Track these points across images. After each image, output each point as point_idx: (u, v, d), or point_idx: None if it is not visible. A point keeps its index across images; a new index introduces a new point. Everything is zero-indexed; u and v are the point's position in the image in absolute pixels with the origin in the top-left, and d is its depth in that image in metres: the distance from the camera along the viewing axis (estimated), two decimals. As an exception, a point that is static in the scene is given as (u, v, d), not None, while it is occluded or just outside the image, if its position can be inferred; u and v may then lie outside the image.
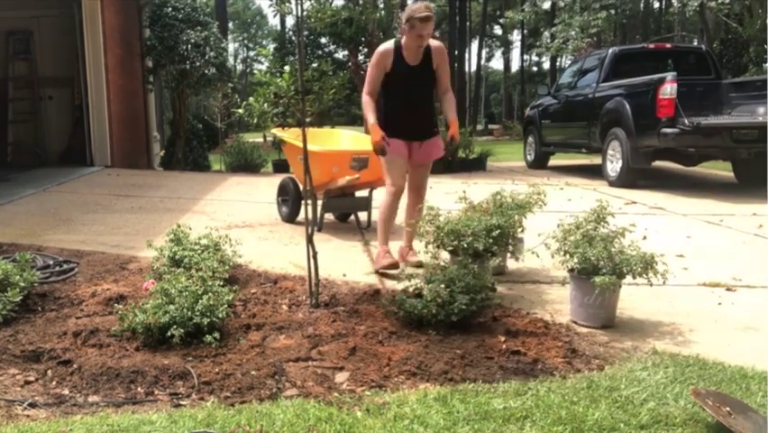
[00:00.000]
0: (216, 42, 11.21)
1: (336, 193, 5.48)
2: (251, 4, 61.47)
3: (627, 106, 8.66)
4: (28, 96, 10.59)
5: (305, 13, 3.41)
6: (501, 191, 4.35)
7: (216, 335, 2.87)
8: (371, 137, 4.08)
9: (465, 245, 3.50)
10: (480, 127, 35.36)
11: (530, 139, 12.37)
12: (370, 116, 4.10)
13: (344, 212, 6.13)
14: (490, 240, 3.57)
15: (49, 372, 2.67)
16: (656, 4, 32.47)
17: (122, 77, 10.53)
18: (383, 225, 4.26)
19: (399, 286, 3.59)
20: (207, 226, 4.72)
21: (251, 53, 58.31)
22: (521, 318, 3.29)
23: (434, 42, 4.18)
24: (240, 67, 55.69)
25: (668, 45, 12.60)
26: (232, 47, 54.61)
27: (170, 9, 11.03)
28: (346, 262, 4.47)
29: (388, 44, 4.20)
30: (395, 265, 4.10)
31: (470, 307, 3.05)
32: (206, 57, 10.83)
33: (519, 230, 3.93)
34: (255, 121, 3.54)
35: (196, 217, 6.08)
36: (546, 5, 23.03)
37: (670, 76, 8.06)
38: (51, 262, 4.24)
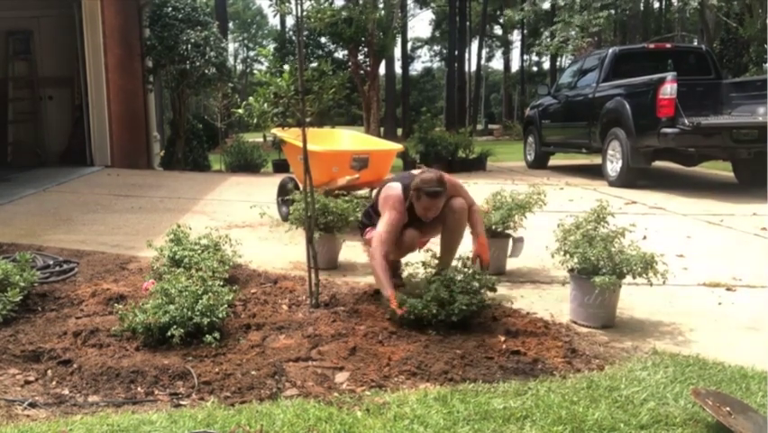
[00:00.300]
0: (216, 42, 11.22)
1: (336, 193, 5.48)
2: (251, 4, 61.46)
3: (627, 106, 8.66)
4: (28, 96, 10.60)
5: (305, 13, 3.41)
6: (501, 191, 4.36)
7: (216, 335, 2.87)
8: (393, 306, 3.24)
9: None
10: (480, 127, 35.37)
11: (530, 139, 12.37)
12: (387, 287, 3.30)
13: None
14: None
15: (49, 372, 2.67)
16: (656, 4, 32.50)
17: (122, 77, 10.53)
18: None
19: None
20: (207, 226, 4.72)
21: (251, 53, 58.31)
22: (521, 318, 3.29)
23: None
24: (240, 67, 55.67)
25: (668, 45, 12.60)
26: (232, 47, 54.64)
27: (170, 9, 11.03)
28: (346, 262, 4.47)
29: (399, 191, 3.50)
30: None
31: (470, 307, 3.05)
32: (206, 57, 10.83)
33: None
34: (255, 121, 3.54)
35: (196, 217, 6.08)
36: (546, 5, 23.04)
37: (670, 76, 8.06)
38: (51, 262, 4.24)
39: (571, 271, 3.36)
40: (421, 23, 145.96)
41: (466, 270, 3.25)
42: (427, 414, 2.26)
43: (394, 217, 3.48)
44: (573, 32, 16.86)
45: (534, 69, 49.58)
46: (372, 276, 4.09)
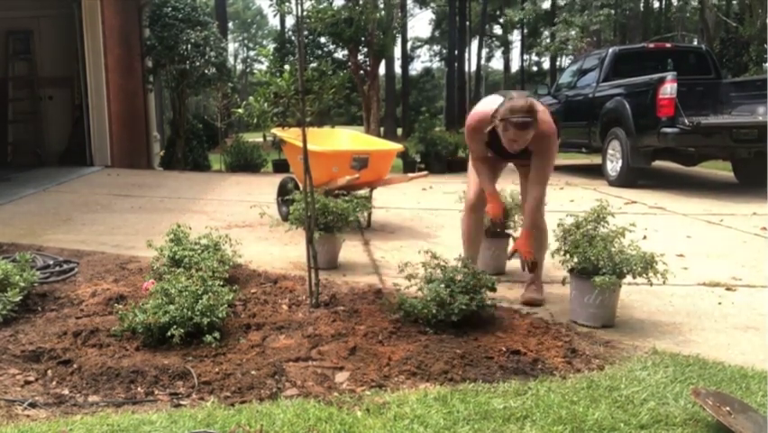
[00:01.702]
0: (216, 42, 11.22)
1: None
2: (251, 4, 61.46)
3: (627, 106, 8.67)
4: (28, 96, 10.59)
5: (305, 13, 3.41)
6: (501, 191, 4.35)
7: (216, 334, 2.87)
8: (493, 209, 3.58)
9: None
10: (480, 127, 35.27)
11: (530, 139, 12.36)
12: (488, 184, 3.61)
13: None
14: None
15: (49, 372, 2.67)
16: (656, 4, 32.49)
17: (122, 76, 10.53)
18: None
19: (398, 283, 3.59)
20: (207, 226, 4.72)
21: (251, 53, 58.33)
22: (521, 318, 3.29)
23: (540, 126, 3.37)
24: (240, 67, 55.68)
25: (668, 45, 12.61)
26: (232, 47, 54.66)
27: (170, 9, 11.02)
28: (346, 262, 4.47)
29: (484, 114, 3.46)
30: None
31: (470, 306, 3.05)
32: (206, 57, 10.84)
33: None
34: (255, 121, 3.54)
35: (196, 217, 6.08)
36: (546, 5, 23.07)
37: (670, 75, 8.06)
38: (51, 262, 4.24)
39: (571, 271, 3.36)
40: (421, 23, 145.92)
41: (466, 270, 3.25)
42: (427, 414, 2.26)
43: (472, 144, 3.62)
44: (573, 33, 16.88)
45: (534, 68, 49.56)
46: (375, 275, 4.09)
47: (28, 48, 10.46)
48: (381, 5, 14.20)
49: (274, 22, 53.87)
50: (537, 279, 3.72)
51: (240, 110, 3.75)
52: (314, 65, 3.50)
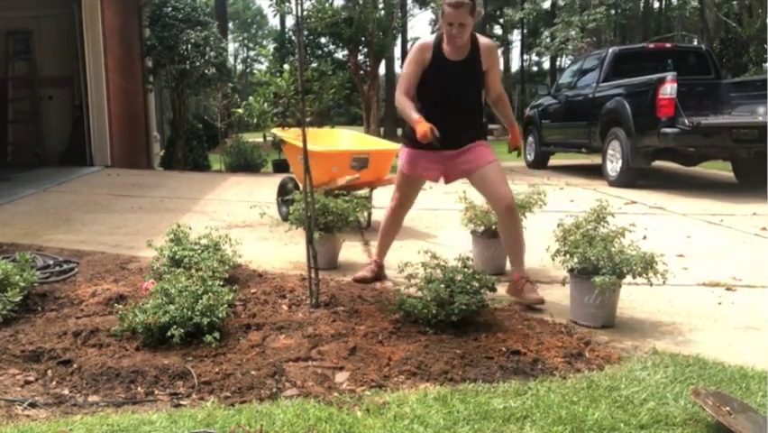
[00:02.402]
0: (216, 42, 11.22)
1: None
2: (251, 4, 61.43)
3: (627, 106, 8.67)
4: (28, 96, 10.59)
5: (305, 13, 3.41)
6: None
7: (216, 335, 2.87)
8: (419, 130, 3.45)
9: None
10: (479, 127, 35.30)
11: (530, 139, 12.38)
12: (412, 113, 3.54)
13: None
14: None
15: (49, 372, 2.67)
16: (656, 4, 32.51)
17: (122, 77, 10.53)
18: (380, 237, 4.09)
19: (399, 281, 3.59)
20: (207, 226, 4.71)
21: (251, 53, 58.32)
22: (521, 318, 3.29)
23: (483, 39, 3.71)
24: (240, 67, 55.66)
25: (668, 45, 12.60)
26: (232, 47, 54.65)
27: (170, 9, 11.04)
28: (346, 262, 4.47)
29: (429, 38, 3.70)
30: (367, 280, 3.98)
31: (470, 307, 3.05)
32: (206, 57, 10.84)
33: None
34: (255, 121, 3.54)
35: (196, 217, 6.08)
36: (546, 5, 23.07)
37: (670, 75, 8.07)
38: (51, 262, 4.24)
39: (570, 271, 3.36)
40: (421, 23, 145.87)
41: (466, 270, 3.25)
42: (427, 414, 2.26)
43: (407, 70, 3.65)
44: (573, 32, 16.89)
45: (535, 69, 49.54)
46: (378, 281, 4.10)
47: (28, 48, 10.46)
48: (381, 5, 14.19)
49: (274, 22, 53.89)
50: (525, 275, 3.70)
51: (240, 110, 3.75)
52: (314, 65, 3.49)
